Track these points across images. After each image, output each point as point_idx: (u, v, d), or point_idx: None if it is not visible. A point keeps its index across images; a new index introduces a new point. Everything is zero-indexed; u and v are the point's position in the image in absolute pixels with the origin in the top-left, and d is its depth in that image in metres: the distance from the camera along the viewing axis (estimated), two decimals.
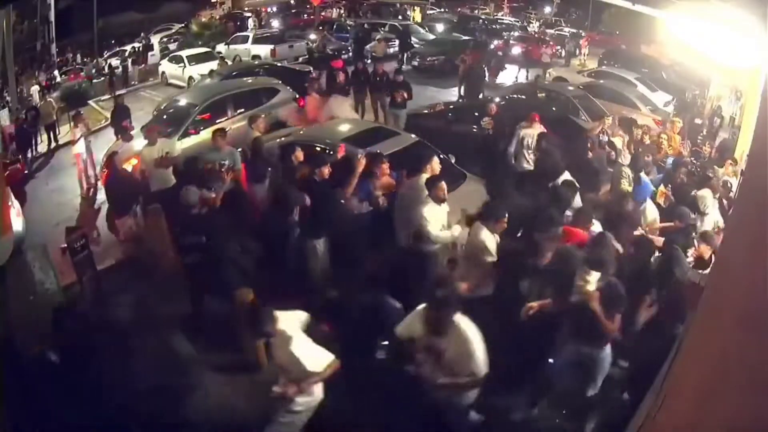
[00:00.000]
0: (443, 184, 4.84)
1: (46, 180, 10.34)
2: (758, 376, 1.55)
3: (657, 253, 4.67)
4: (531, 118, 7.50)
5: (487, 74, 12.52)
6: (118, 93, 12.95)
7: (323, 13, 26.14)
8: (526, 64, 17.12)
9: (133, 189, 6.75)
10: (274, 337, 3.37)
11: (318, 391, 3.53)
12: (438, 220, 4.76)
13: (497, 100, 10.10)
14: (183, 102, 9.39)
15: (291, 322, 3.46)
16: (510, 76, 16.63)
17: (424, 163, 5.33)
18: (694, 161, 7.96)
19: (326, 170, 5.39)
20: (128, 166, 7.45)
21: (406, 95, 9.97)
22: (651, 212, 5.81)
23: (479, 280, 4.41)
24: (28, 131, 11.70)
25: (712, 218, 5.56)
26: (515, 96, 10.89)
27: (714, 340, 2.01)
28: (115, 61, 18.19)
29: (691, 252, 4.87)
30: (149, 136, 7.22)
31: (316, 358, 3.42)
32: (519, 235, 4.90)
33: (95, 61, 17.99)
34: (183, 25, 21.99)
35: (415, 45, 19.18)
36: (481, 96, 12.40)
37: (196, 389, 4.45)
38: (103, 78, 17.04)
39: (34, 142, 11.95)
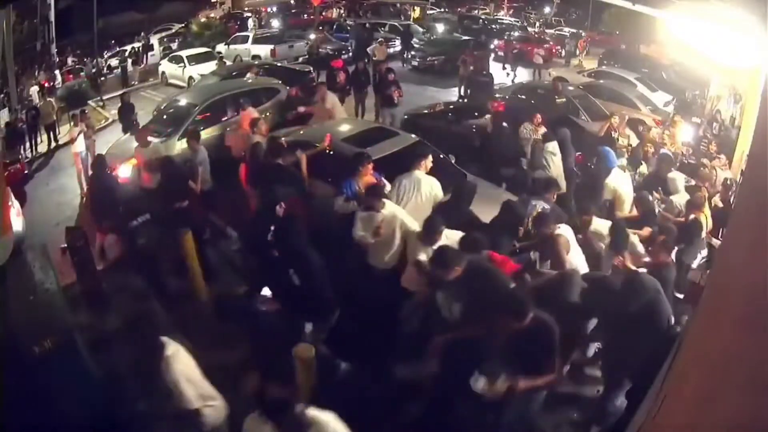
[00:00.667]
0: (381, 197, 4.76)
1: (46, 180, 10.35)
2: (758, 376, 1.55)
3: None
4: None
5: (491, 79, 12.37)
6: (123, 91, 12.98)
7: (323, 13, 26.16)
8: (518, 64, 17.05)
9: (117, 194, 6.61)
10: (162, 361, 3.09)
11: (215, 411, 3.26)
12: (369, 227, 4.70)
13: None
14: (183, 102, 9.39)
15: (180, 349, 3.20)
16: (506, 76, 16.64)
17: (419, 160, 5.34)
18: (685, 154, 8.07)
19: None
20: (128, 168, 7.47)
21: (401, 93, 10.17)
22: (612, 180, 6.04)
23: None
24: (18, 130, 11.72)
25: (679, 201, 5.84)
26: (517, 96, 10.88)
27: (714, 340, 2.01)
28: (114, 62, 18.22)
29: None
30: (140, 138, 7.24)
31: (199, 393, 3.14)
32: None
33: (95, 61, 18.01)
34: (183, 25, 22.01)
35: (415, 45, 19.22)
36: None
37: None
38: (103, 78, 17.06)
39: (34, 141, 11.98)
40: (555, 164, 6.71)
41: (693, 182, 6.76)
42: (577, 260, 4.48)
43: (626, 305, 3.72)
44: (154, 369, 3.04)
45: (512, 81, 15.68)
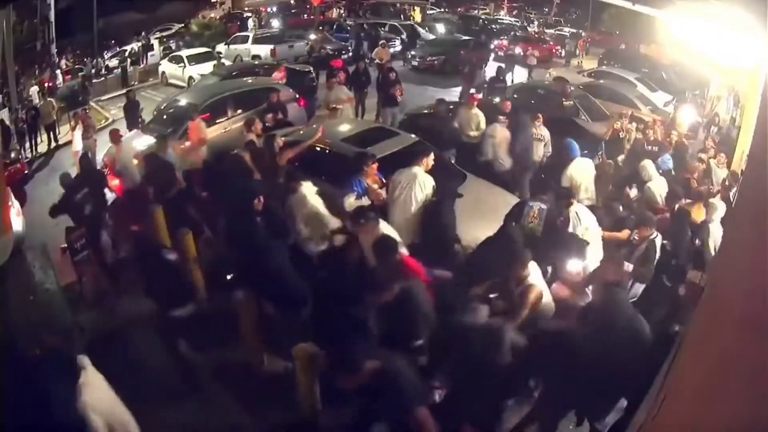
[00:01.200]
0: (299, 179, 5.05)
1: (46, 180, 10.33)
2: (758, 376, 1.55)
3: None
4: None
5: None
6: (128, 88, 12.90)
7: (324, 13, 26.17)
8: (514, 64, 16.79)
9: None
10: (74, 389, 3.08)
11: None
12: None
13: (497, 99, 10.10)
14: (183, 102, 9.39)
15: (94, 377, 3.19)
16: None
17: (420, 157, 5.37)
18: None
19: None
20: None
21: (402, 92, 10.22)
22: (571, 168, 6.41)
23: None
24: (19, 130, 11.70)
25: (657, 189, 6.13)
26: (515, 96, 10.86)
27: (714, 340, 2.01)
28: (113, 62, 18.20)
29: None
30: (113, 138, 7.46)
31: (109, 422, 3.11)
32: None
33: (95, 61, 18.00)
34: (183, 25, 21.99)
35: (415, 45, 19.24)
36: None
37: (197, 390, 4.47)
38: (102, 79, 17.04)
39: (34, 141, 11.96)
40: (493, 146, 7.36)
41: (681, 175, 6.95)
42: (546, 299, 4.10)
43: (603, 339, 3.31)
44: (67, 396, 3.01)
45: (511, 81, 15.65)
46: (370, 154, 5.59)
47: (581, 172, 6.47)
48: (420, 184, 5.24)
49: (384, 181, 5.51)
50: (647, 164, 6.51)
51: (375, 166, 5.42)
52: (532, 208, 5.04)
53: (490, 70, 14.86)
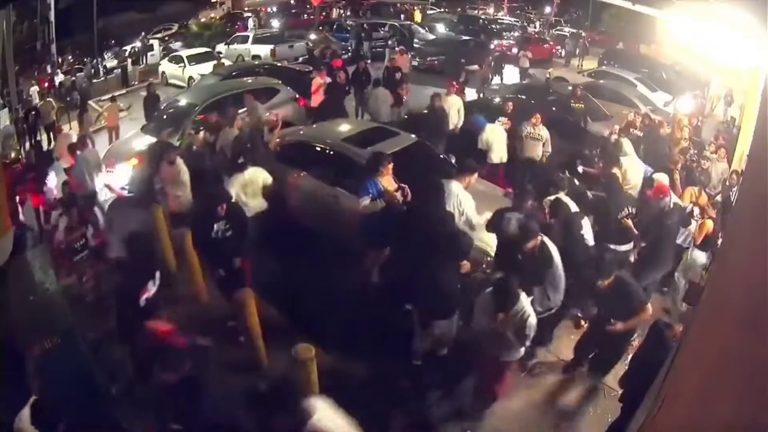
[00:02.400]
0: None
1: None
2: (758, 376, 1.55)
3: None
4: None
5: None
6: (148, 82, 12.81)
7: (324, 13, 26.18)
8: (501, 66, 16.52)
9: None
10: None
11: None
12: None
13: (497, 100, 10.12)
14: (183, 102, 9.38)
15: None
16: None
17: (464, 174, 5.24)
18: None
19: None
20: (127, 167, 7.49)
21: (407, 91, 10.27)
22: (485, 134, 7.54)
23: None
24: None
25: (631, 167, 6.39)
26: (517, 96, 10.86)
27: (714, 340, 2.01)
28: (111, 63, 18.22)
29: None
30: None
31: None
32: None
33: (95, 60, 18.00)
34: (183, 25, 22.02)
35: (415, 45, 19.23)
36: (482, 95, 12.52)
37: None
38: (103, 78, 17.04)
39: (34, 141, 11.95)
40: (375, 107, 9.72)
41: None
42: None
43: None
44: None
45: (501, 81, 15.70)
46: (387, 155, 5.47)
47: (494, 135, 7.55)
48: (455, 201, 5.00)
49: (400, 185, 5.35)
50: (624, 142, 6.87)
51: (390, 166, 5.31)
52: (510, 220, 4.68)
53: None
